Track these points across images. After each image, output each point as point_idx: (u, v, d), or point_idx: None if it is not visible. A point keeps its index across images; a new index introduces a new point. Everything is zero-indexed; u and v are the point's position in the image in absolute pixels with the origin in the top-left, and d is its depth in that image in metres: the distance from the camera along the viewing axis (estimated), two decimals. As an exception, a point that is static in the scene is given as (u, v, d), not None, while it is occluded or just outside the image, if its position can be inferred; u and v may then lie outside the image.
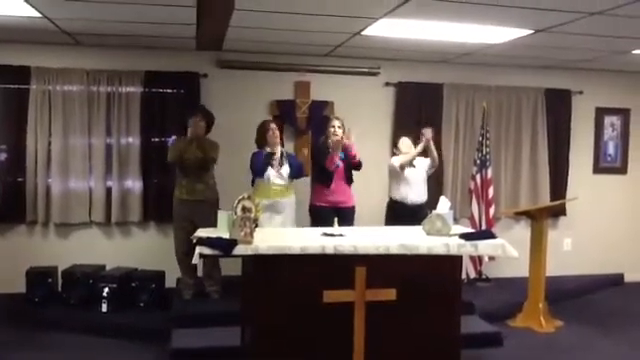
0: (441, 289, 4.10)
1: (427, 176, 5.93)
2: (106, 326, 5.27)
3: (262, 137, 5.42)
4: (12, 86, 5.96)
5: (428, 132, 5.62)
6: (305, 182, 5.76)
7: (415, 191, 5.76)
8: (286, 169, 5.42)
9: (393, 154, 6.04)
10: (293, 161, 5.54)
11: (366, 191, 5.89)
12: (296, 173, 5.49)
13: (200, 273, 5.58)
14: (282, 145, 5.99)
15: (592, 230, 7.31)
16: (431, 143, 5.66)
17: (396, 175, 5.77)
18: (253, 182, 5.43)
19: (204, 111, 5.61)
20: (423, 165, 5.87)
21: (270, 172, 5.34)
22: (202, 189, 5.46)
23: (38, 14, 4.72)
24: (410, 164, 5.73)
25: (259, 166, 5.33)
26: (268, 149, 5.37)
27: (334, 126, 5.55)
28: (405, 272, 3.99)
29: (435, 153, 5.78)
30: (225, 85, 6.33)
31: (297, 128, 6.50)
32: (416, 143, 5.77)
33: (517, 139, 7.02)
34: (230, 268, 5.40)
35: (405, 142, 5.90)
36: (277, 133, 5.45)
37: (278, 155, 5.42)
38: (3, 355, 4.73)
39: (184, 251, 5.24)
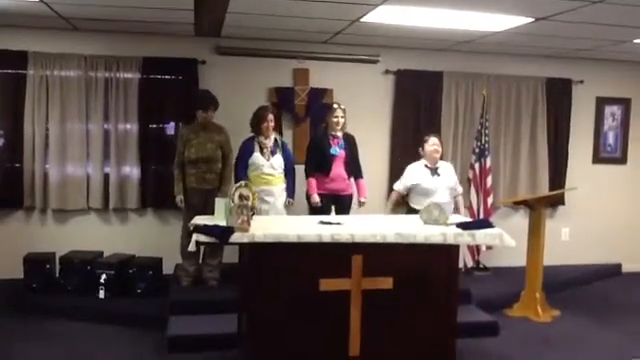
0: (438, 278, 4.09)
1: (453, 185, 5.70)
2: (103, 313, 5.28)
3: (257, 125, 5.42)
4: (9, 71, 5.94)
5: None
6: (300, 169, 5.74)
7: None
8: (278, 159, 5.43)
9: (417, 155, 5.69)
10: (288, 156, 5.57)
11: (365, 180, 5.85)
12: (288, 170, 5.54)
13: (201, 260, 5.61)
14: (281, 133, 6.00)
15: (591, 220, 7.30)
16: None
17: (415, 188, 5.54)
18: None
19: (216, 102, 5.50)
20: (449, 174, 5.64)
21: (261, 161, 5.37)
22: (212, 178, 5.46)
23: (35, -2, 4.69)
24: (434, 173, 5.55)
25: (242, 167, 5.38)
26: (262, 138, 5.40)
27: (337, 116, 5.54)
28: (402, 261, 3.98)
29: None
30: (223, 72, 6.29)
31: (295, 115, 6.47)
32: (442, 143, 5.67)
33: (517, 128, 6.99)
34: (228, 256, 5.42)
35: (432, 141, 5.55)
36: (273, 124, 5.45)
37: (271, 144, 5.42)
38: (0, 341, 4.74)
39: (188, 241, 5.22)
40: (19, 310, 5.41)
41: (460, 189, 5.80)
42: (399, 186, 5.67)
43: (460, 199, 5.79)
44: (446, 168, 5.67)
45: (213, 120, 5.53)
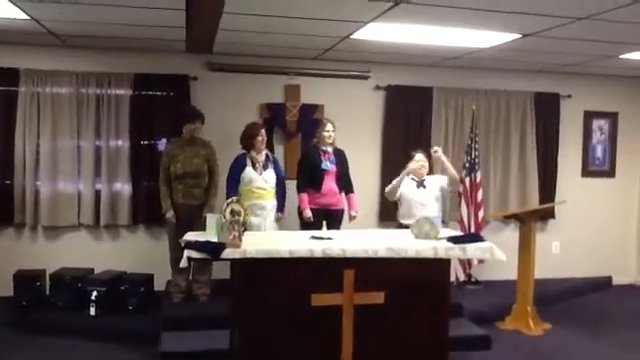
0: (429, 292, 4.11)
1: (446, 192, 5.74)
2: (94, 330, 5.25)
3: (250, 140, 5.44)
4: (0, 88, 5.94)
5: (436, 150, 5.54)
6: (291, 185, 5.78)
7: (423, 214, 5.32)
8: (270, 173, 5.45)
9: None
10: (279, 172, 5.60)
11: (356, 194, 5.87)
12: (279, 185, 5.55)
13: (191, 276, 5.59)
14: (272, 149, 6.03)
15: (581, 233, 7.35)
16: (444, 160, 5.59)
17: (401, 199, 5.59)
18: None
19: (202, 116, 5.56)
20: (436, 184, 5.63)
21: (253, 175, 5.39)
22: (199, 194, 5.47)
23: (26, 16, 4.70)
24: (408, 186, 5.55)
25: (233, 183, 5.40)
26: (253, 153, 5.41)
27: (328, 130, 5.59)
28: (393, 275, 4.00)
29: (451, 170, 5.65)
30: (215, 88, 6.32)
31: (287, 131, 6.50)
32: (429, 158, 5.65)
33: (506, 142, 7.05)
34: (218, 271, 5.41)
35: (418, 157, 5.59)
36: (265, 138, 5.49)
37: (263, 159, 5.45)
38: (-10, 359, 4.72)
39: (179, 256, 5.22)
40: (9, 327, 5.36)
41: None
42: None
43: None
44: (432, 179, 5.68)
45: (199, 135, 5.56)
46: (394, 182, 5.60)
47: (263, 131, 5.50)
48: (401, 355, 4.07)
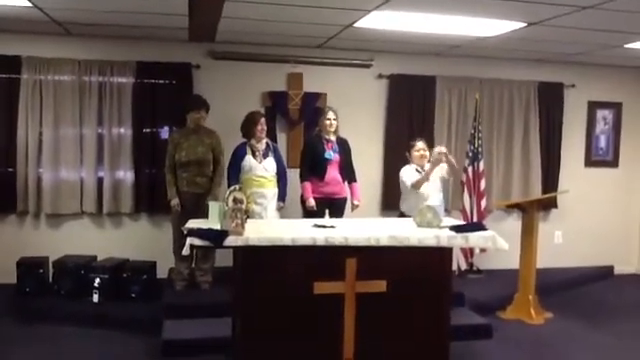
0: (431, 281, 4.11)
1: (446, 182, 5.72)
2: (97, 317, 5.27)
3: (250, 129, 5.44)
4: (3, 76, 5.93)
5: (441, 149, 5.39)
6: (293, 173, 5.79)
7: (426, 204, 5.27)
8: (270, 162, 5.46)
9: (406, 159, 5.68)
10: (279, 160, 5.60)
11: (358, 183, 5.87)
12: (280, 174, 5.56)
13: (194, 264, 5.60)
14: (275, 137, 6.02)
15: (583, 223, 7.34)
16: (451, 159, 5.47)
17: (407, 189, 5.54)
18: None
19: (207, 105, 5.56)
20: (437, 174, 5.56)
21: (253, 163, 5.40)
22: (203, 182, 5.47)
23: (28, 3, 4.69)
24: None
25: (234, 172, 5.41)
26: (254, 142, 5.43)
27: (330, 119, 5.58)
28: (396, 264, 4.00)
29: (455, 165, 5.56)
30: (217, 76, 6.31)
31: (289, 119, 6.49)
32: (430, 147, 5.59)
33: (509, 132, 7.04)
34: (221, 259, 5.42)
35: (418, 147, 5.59)
36: (265, 127, 5.49)
37: (263, 147, 5.46)
38: (-7, 345, 4.74)
39: (182, 243, 5.22)
40: (12, 314, 5.38)
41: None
42: (409, 177, 5.51)
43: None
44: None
45: (204, 124, 5.55)
46: (421, 176, 5.44)
47: (263, 120, 5.50)
48: (402, 344, 4.07)
